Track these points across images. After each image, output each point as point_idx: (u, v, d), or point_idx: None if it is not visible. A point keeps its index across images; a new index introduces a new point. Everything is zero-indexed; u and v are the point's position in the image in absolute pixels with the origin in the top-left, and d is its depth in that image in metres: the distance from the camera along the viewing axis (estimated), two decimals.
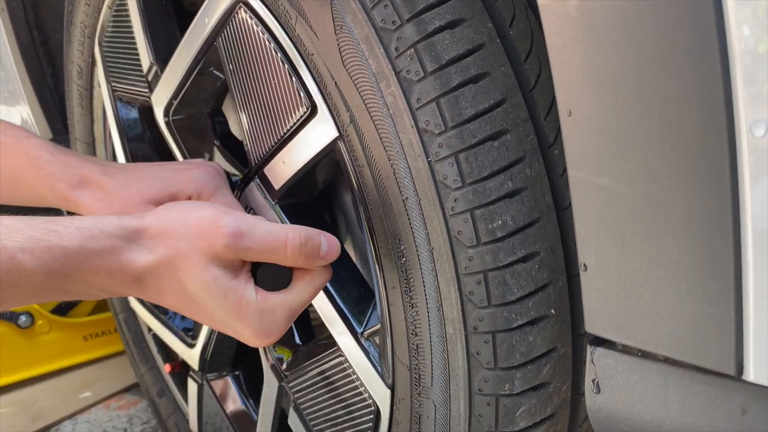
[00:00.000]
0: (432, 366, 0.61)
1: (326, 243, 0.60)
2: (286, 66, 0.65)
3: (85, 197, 0.69)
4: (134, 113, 1.00)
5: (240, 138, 0.90)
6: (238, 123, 0.75)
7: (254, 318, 0.58)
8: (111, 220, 0.57)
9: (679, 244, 0.39)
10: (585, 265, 0.44)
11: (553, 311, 0.57)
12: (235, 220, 0.57)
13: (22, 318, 1.56)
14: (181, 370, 1.13)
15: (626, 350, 0.44)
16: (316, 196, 0.77)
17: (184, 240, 0.56)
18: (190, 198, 0.71)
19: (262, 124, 0.71)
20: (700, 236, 0.39)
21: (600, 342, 0.46)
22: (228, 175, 0.84)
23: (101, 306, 1.68)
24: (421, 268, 0.59)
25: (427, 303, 0.59)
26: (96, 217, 0.57)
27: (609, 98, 0.39)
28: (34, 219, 0.54)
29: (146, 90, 0.91)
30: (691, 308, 0.39)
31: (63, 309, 1.66)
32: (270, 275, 0.60)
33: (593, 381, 0.47)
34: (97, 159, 0.78)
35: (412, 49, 0.54)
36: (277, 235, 0.58)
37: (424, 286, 0.59)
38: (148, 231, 0.57)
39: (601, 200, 0.41)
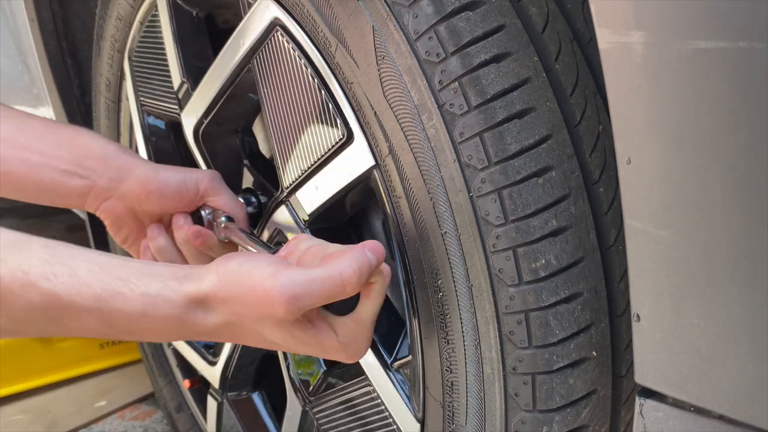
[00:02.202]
0: (467, 404, 0.59)
1: (373, 255, 0.58)
2: (323, 92, 0.65)
3: None
4: (162, 128, 1.00)
5: (269, 158, 0.89)
6: (268, 143, 0.75)
7: (339, 351, 0.61)
8: (174, 287, 0.56)
9: (741, 300, 0.38)
10: (638, 315, 0.43)
11: (594, 353, 0.55)
12: (286, 285, 0.55)
13: None
14: (201, 387, 1.13)
15: (678, 404, 0.43)
16: (346, 220, 0.76)
17: (248, 308, 0.57)
18: (198, 191, 0.76)
19: (295, 149, 0.71)
20: (764, 294, 0.37)
21: (650, 394, 0.44)
22: (256, 194, 0.84)
23: None
24: (458, 304, 0.57)
25: (464, 340, 0.58)
26: (160, 281, 0.57)
27: (671, 148, 0.38)
28: (103, 268, 0.55)
29: (176, 107, 0.90)
30: (753, 368, 0.38)
31: None
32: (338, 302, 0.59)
33: None
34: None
35: (457, 83, 0.53)
36: (332, 281, 0.56)
37: (462, 322, 0.58)
38: (214, 297, 0.57)
39: (658, 251, 0.40)
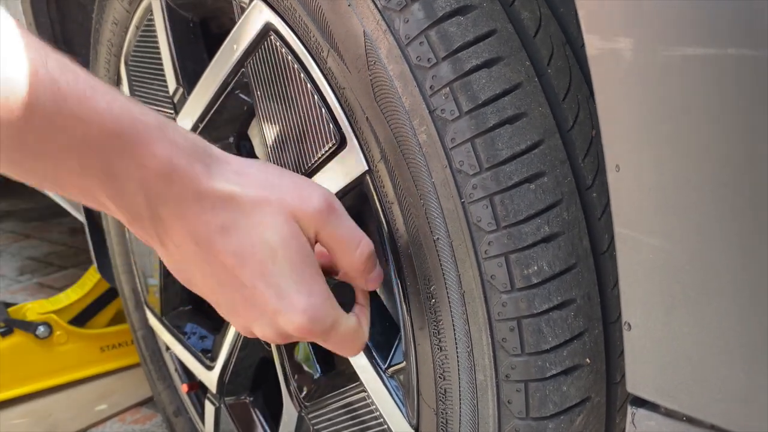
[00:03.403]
0: (460, 412, 0.59)
1: (378, 277, 0.60)
2: (315, 97, 0.64)
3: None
4: None
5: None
6: (264, 147, 0.75)
7: (318, 290, 0.53)
8: (192, 133, 0.52)
9: (733, 309, 0.37)
10: (629, 324, 0.42)
11: (588, 360, 0.55)
12: (330, 195, 0.56)
13: (41, 329, 1.56)
14: (199, 391, 1.13)
15: (670, 414, 0.42)
16: None
17: (279, 191, 0.53)
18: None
19: (288, 153, 0.70)
20: (756, 304, 0.37)
21: (642, 403, 0.44)
22: None
23: (119, 317, 1.68)
24: (451, 311, 0.57)
25: (456, 347, 0.58)
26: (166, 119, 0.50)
27: (661, 155, 0.38)
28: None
29: (171, 111, 0.90)
30: (744, 378, 0.37)
31: (81, 320, 1.66)
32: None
33: None
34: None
35: (448, 88, 0.53)
36: (357, 233, 0.57)
37: (454, 329, 0.57)
38: (231, 164, 0.52)
39: (649, 259, 0.40)
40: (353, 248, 0.57)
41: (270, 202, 0.53)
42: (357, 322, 0.59)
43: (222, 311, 0.58)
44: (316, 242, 0.57)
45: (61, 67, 0.46)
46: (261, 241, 0.52)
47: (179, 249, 0.53)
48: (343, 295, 0.60)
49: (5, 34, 0.44)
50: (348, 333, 0.57)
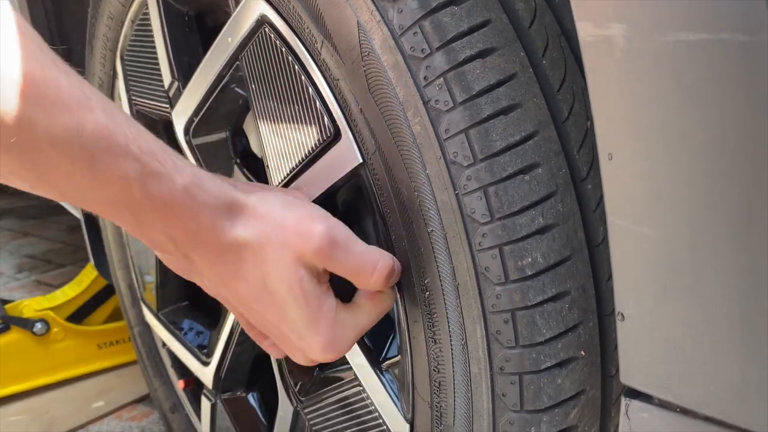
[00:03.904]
0: (455, 405, 0.59)
1: (398, 272, 0.59)
2: (310, 89, 0.64)
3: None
4: (153, 127, 0.99)
5: (260, 156, 0.89)
6: (259, 141, 0.74)
7: (328, 329, 0.57)
8: (218, 182, 0.55)
9: (726, 299, 0.37)
10: (622, 314, 0.42)
11: (582, 353, 0.54)
12: (332, 228, 0.55)
13: (38, 325, 1.56)
14: (195, 387, 1.12)
15: (664, 405, 0.42)
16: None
17: (280, 232, 0.55)
18: None
19: (284, 146, 0.70)
20: (749, 292, 0.36)
21: (636, 394, 0.44)
22: None
23: (116, 314, 1.68)
24: (445, 303, 0.57)
25: (450, 340, 0.57)
26: (206, 173, 0.55)
27: (654, 144, 0.37)
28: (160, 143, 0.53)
29: (167, 105, 0.90)
30: (738, 368, 0.37)
31: (78, 317, 1.66)
32: (336, 290, 0.58)
33: None
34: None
35: (442, 79, 0.53)
36: (369, 258, 0.56)
37: (449, 322, 0.57)
38: (250, 210, 0.55)
39: (641, 249, 0.39)
40: (368, 275, 0.56)
41: (274, 247, 0.55)
42: (368, 306, 0.59)
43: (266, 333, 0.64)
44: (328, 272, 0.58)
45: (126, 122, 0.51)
46: (273, 290, 0.56)
47: (204, 279, 0.59)
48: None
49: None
50: (371, 318, 0.59)
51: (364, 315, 0.59)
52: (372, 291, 0.59)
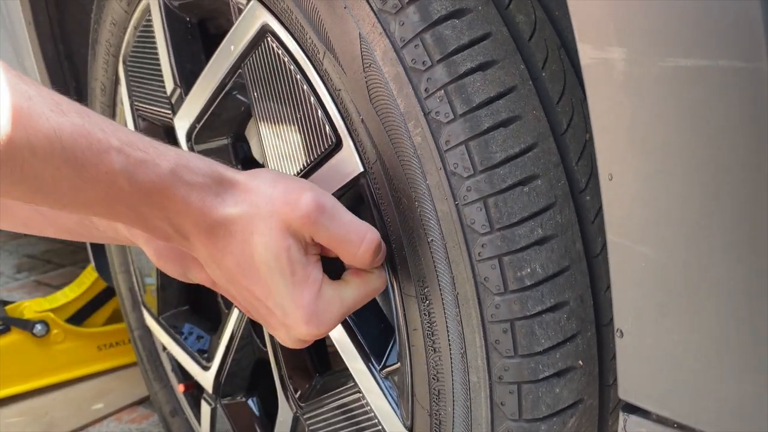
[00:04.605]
0: (454, 413, 0.59)
1: (384, 252, 0.59)
2: (311, 98, 0.64)
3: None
4: (155, 133, 1.00)
5: (261, 163, 0.89)
6: (260, 147, 0.75)
7: (312, 300, 0.56)
8: (207, 161, 0.56)
9: (722, 317, 0.38)
10: (621, 331, 0.43)
11: (580, 362, 0.55)
12: (319, 196, 0.56)
13: (38, 327, 1.56)
14: (195, 391, 1.13)
15: (661, 421, 0.42)
16: None
17: (269, 202, 0.55)
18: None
19: (285, 154, 0.70)
20: (745, 311, 0.37)
21: (634, 409, 0.44)
22: None
23: (116, 316, 1.68)
24: (445, 312, 0.57)
25: (450, 349, 0.58)
26: (192, 153, 0.56)
27: (653, 165, 0.38)
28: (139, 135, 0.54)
29: (169, 111, 0.90)
30: (734, 385, 0.37)
31: (78, 318, 1.66)
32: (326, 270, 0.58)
33: None
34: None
35: (442, 91, 0.53)
36: (357, 228, 0.56)
37: (448, 331, 0.57)
38: (239, 185, 0.56)
39: (640, 267, 0.40)
40: (355, 246, 0.56)
41: (262, 217, 0.55)
42: (355, 283, 0.59)
43: (256, 318, 0.63)
44: (317, 244, 0.57)
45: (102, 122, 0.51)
46: (258, 261, 0.56)
47: (204, 259, 0.59)
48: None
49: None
50: (358, 297, 0.58)
51: (350, 292, 0.58)
52: (356, 270, 0.59)
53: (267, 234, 0.55)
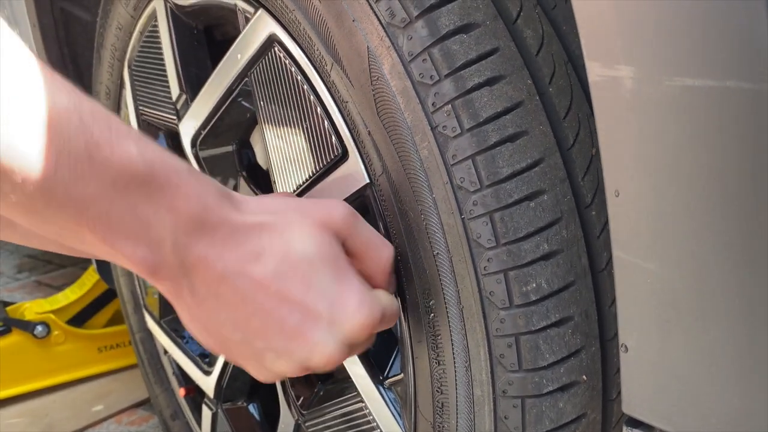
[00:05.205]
0: (457, 426, 0.59)
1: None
2: (318, 109, 0.65)
3: None
4: (159, 138, 1.00)
5: (266, 169, 0.89)
6: (265, 155, 0.75)
7: (360, 285, 0.54)
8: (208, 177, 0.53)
9: (728, 335, 0.38)
10: (626, 346, 0.43)
11: (584, 377, 0.55)
12: (349, 206, 0.58)
13: (38, 328, 1.56)
14: (196, 395, 1.13)
15: None
16: None
17: (298, 212, 0.54)
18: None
19: (291, 163, 0.71)
20: (750, 328, 0.37)
21: (637, 424, 0.44)
22: None
23: (117, 318, 1.68)
24: (449, 326, 0.57)
25: (454, 362, 0.58)
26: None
27: (660, 182, 0.38)
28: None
29: (174, 117, 0.91)
30: (738, 402, 0.38)
31: (79, 320, 1.66)
32: None
33: None
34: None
35: (450, 105, 0.53)
36: (382, 237, 0.59)
37: (453, 344, 0.58)
38: (251, 200, 0.54)
39: (646, 284, 0.40)
40: (382, 251, 0.58)
41: (298, 220, 0.54)
42: (389, 295, 0.59)
43: (247, 356, 0.55)
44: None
45: (93, 113, 0.45)
46: (299, 256, 0.52)
47: (196, 299, 0.52)
48: None
49: (36, 78, 0.43)
50: (392, 306, 0.58)
51: (382, 296, 0.57)
52: (377, 285, 0.59)
53: (305, 227, 0.53)
